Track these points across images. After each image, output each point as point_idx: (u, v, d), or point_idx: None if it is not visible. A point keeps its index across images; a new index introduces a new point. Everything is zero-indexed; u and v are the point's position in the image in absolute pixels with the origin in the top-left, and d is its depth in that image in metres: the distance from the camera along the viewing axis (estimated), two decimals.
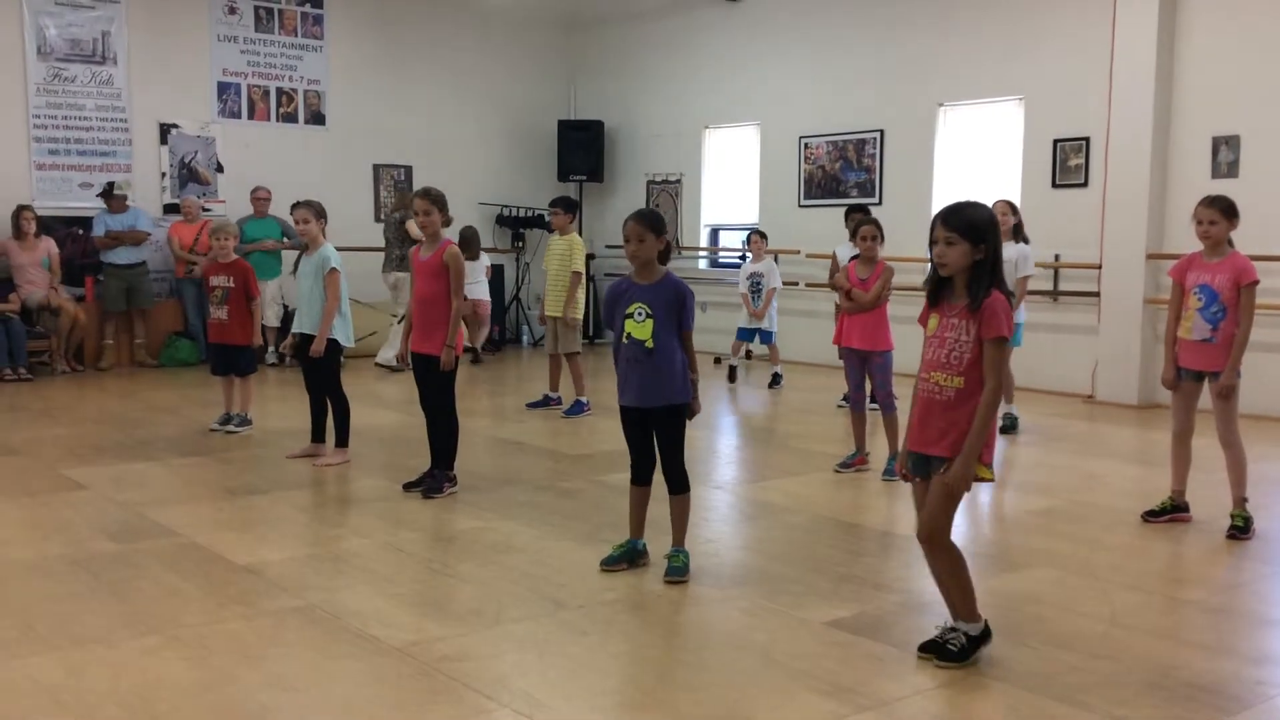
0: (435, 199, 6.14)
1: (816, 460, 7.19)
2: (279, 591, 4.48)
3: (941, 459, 3.68)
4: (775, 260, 11.18)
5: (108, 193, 11.51)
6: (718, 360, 12.48)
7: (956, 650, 3.73)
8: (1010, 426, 8.15)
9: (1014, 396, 8.35)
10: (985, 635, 3.80)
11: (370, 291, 12.60)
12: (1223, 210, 5.42)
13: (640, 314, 4.60)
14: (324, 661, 3.77)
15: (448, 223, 6.21)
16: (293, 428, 7.81)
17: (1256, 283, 5.36)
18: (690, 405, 4.70)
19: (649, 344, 4.59)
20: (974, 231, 3.61)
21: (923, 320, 3.82)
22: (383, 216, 13.28)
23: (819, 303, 12.14)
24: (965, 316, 3.64)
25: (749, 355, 12.01)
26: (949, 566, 3.78)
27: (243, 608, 4.29)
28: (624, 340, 4.66)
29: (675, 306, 4.62)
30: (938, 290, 3.75)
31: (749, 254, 11.03)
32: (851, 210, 9.43)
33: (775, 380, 10.58)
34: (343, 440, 7.00)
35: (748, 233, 11.42)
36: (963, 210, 3.68)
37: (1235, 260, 5.40)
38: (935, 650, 3.76)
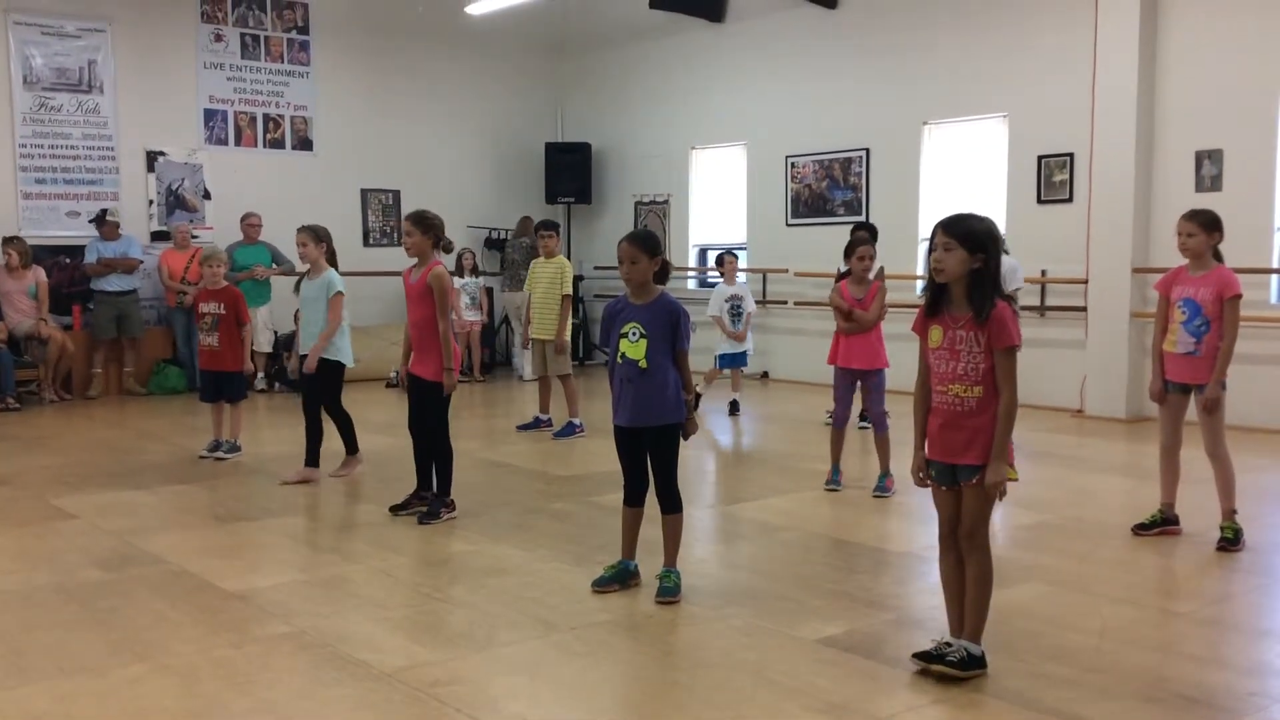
0: (415, 220, 6.15)
1: (807, 478, 7.18)
2: (269, 618, 4.46)
3: (969, 467, 3.70)
4: (763, 281, 10.93)
5: (100, 219, 11.49)
6: (708, 380, 12.48)
7: (956, 661, 3.72)
8: None
9: None
10: (983, 661, 3.79)
11: (364, 315, 12.60)
12: (1202, 224, 5.45)
13: (634, 334, 4.62)
14: (314, 688, 3.75)
15: (439, 244, 6.19)
16: (282, 454, 7.78)
17: (1240, 296, 5.39)
18: (685, 425, 4.70)
19: (642, 364, 4.60)
20: (972, 239, 3.64)
21: (918, 329, 3.84)
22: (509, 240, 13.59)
23: (807, 321, 12.17)
24: (972, 328, 3.67)
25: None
26: (979, 573, 3.77)
27: (232, 635, 4.27)
28: (619, 360, 4.68)
29: (669, 327, 4.62)
30: (936, 300, 3.77)
31: (722, 276, 10.46)
32: (857, 228, 9.34)
33: (734, 408, 10.15)
34: (352, 449, 7.20)
35: (720, 254, 10.89)
36: (963, 219, 3.72)
37: (1219, 274, 5.43)
38: (933, 659, 3.75)
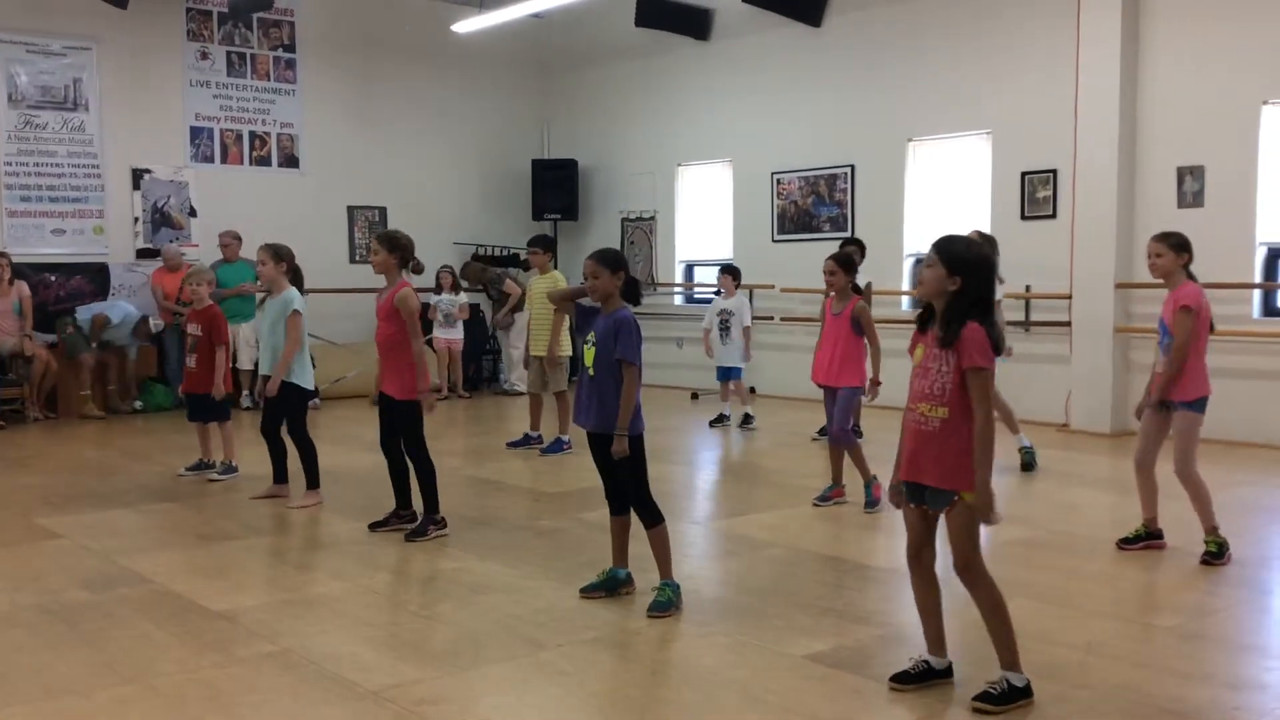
0: (382, 239, 6.18)
1: (795, 494, 7.20)
2: (254, 638, 4.44)
3: (936, 492, 3.67)
4: (750, 298, 10.94)
5: (148, 332, 11.55)
6: (694, 396, 12.50)
7: (998, 695, 3.63)
8: (1030, 463, 7.97)
9: (1019, 427, 8.03)
10: (1028, 689, 3.68)
11: (345, 332, 12.59)
12: (1170, 245, 5.51)
13: (590, 341, 4.80)
14: (300, 708, 3.74)
15: (407, 264, 6.18)
16: (267, 472, 7.74)
17: (1189, 308, 5.38)
18: (615, 440, 4.65)
19: (591, 371, 4.77)
20: (954, 260, 3.63)
21: (911, 350, 3.85)
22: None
23: (794, 337, 12.19)
24: (943, 347, 3.67)
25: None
26: (987, 605, 3.71)
27: (218, 655, 4.25)
28: (584, 364, 4.86)
29: (611, 336, 4.72)
30: (925, 319, 3.79)
31: (721, 291, 10.45)
32: (845, 243, 9.40)
33: (746, 420, 10.19)
34: (313, 483, 6.98)
35: (719, 270, 10.91)
36: (953, 240, 3.73)
37: (1181, 289, 5.49)
38: (980, 698, 3.65)
